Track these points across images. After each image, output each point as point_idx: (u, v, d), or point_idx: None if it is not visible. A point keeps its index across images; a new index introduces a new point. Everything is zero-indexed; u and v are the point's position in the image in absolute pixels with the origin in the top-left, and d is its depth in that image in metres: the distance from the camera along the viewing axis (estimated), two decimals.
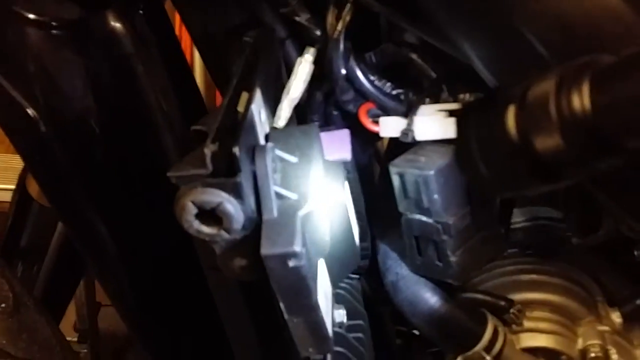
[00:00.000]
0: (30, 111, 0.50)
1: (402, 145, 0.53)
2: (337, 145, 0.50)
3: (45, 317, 0.73)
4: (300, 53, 0.52)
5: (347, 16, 0.49)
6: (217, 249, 0.42)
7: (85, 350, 1.29)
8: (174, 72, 0.59)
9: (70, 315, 1.20)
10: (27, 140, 0.53)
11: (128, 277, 0.61)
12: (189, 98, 0.61)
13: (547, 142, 0.38)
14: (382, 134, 0.52)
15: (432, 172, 0.47)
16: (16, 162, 1.33)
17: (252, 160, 0.42)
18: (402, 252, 0.54)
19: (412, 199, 0.49)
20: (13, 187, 1.24)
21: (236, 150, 0.40)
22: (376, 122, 0.52)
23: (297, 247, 0.39)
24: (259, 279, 0.44)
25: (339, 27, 0.49)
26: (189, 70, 0.65)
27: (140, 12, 0.57)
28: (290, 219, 0.41)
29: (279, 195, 0.42)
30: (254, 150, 0.42)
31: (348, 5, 0.49)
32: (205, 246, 0.43)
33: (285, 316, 0.42)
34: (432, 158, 0.49)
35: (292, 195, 0.42)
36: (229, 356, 0.53)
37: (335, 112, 0.56)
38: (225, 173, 0.40)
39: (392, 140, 0.60)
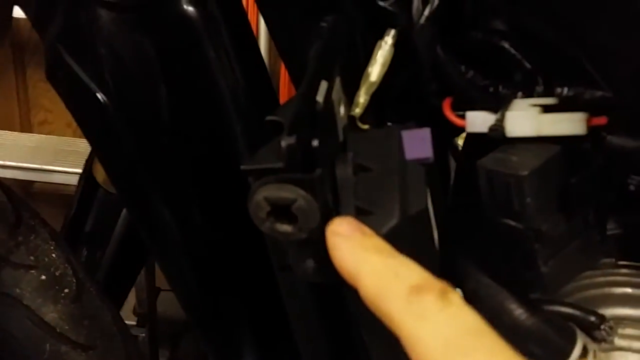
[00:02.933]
0: (99, 95, 0.49)
1: (485, 143, 0.49)
2: (418, 144, 0.47)
3: (107, 304, 0.73)
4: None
5: (435, 0, 0.45)
6: (290, 248, 0.39)
7: (144, 334, 1.30)
8: (245, 57, 0.56)
9: (130, 299, 1.21)
10: (95, 124, 0.52)
11: (190, 263, 0.59)
12: (258, 83, 0.58)
13: None
14: (468, 129, 0.48)
15: (525, 173, 0.43)
16: (82, 146, 1.35)
17: (331, 156, 0.39)
18: (484, 258, 0.50)
19: (501, 202, 0.45)
20: (78, 170, 1.26)
21: (315, 143, 0.37)
22: (462, 117, 0.48)
23: None
24: (331, 283, 0.41)
25: (426, 12, 0.45)
26: (259, 54, 0.62)
27: None
28: None
29: (360, 210, 0.39)
30: (333, 146, 0.39)
31: None
32: (277, 245, 0.41)
33: (365, 336, 0.39)
34: (525, 158, 0.44)
35: (374, 210, 0.39)
36: (289, 347, 0.50)
37: (411, 106, 0.53)
38: (302, 168, 0.37)
39: (472, 137, 0.56)
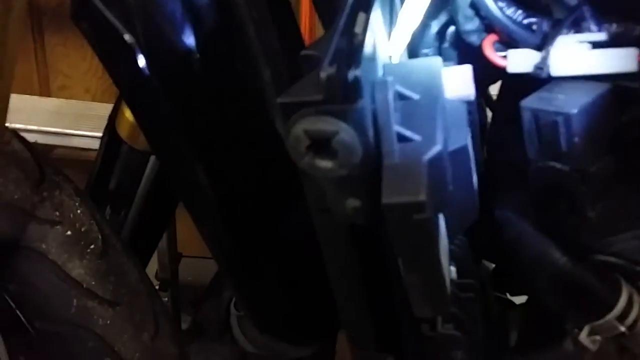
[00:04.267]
0: (127, 37, 0.47)
1: (523, 87, 0.47)
2: (459, 82, 0.45)
3: (133, 261, 0.72)
4: None
5: None
6: (329, 186, 0.38)
7: (166, 299, 1.31)
8: (275, 3, 0.54)
9: (152, 264, 1.21)
10: (122, 67, 0.50)
11: (224, 219, 0.57)
12: (285, 27, 0.56)
13: None
14: (510, 69, 0.46)
15: (575, 111, 0.41)
16: (102, 110, 1.34)
17: (371, 91, 0.37)
18: (525, 205, 0.48)
19: (546, 142, 0.43)
20: (98, 134, 1.25)
21: (356, 74, 0.35)
22: (503, 56, 0.46)
23: (424, 197, 0.34)
24: (372, 224, 0.40)
25: None
26: (289, 7, 0.60)
27: None
28: (415, 164, 0.36)
29: (401, 137, 0.37)
30: (373, 79, 0.37)
31: None
32: (314, 184, 0.39)
33: (402, 272, 0.38)
34: (573, 96, 0.42)
35: (416, 137, 0.37)
36: (327, 306, 0.49)
37: (448, 46, 0.50)
38: (343, 100, 0.35)
39: (509, 82, 0.54)
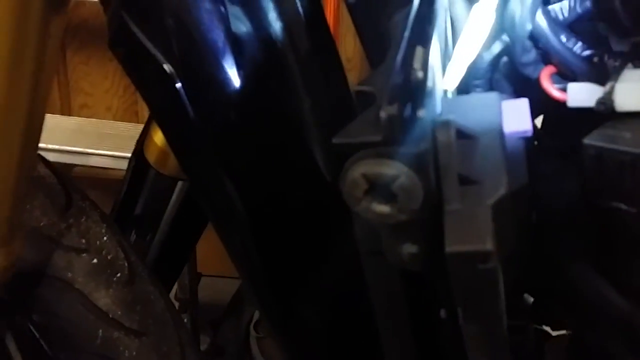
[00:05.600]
0: (166, 67, 0.45)
1: (571, 122, 0.44)
2: (516, 116, 0.42)
3: (159, 289, 0.70)
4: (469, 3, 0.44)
5: None
6: (385, 231, 0.36)
7: (186, 320, 1.29)
8: (316, 35, 0.52)
9: None
10: (160, 96, 0.48)
11: (255, 242, 0.55)
12: (328, 56, 0.54)
13: None
14: (570, 104, 0.43)
15: None
16: (124, 129, 1.33)
17: (432, 131, 0.35)
18: (584, 247, 0.45)
19: (611, 183, 0.41)
20: (119, 154, 1.24)
21: (421, 114, 0.33)
22: (563, 90, 0.44)
23: (490, 246, 0.32)
24: (427, 271, 0.37)
25: None
26: (330, 38, 0.58)
27: None
28: (479, 209, 0.34)
29: (463, 179, 0.35)
30: (432, 120, 0.35)
31: None
32: (368, 227, 0.37)
33: (461, 322, 0.36)
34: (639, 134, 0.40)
35: (479, 180, 0.35)
36: (367, 343, 0.46)
37: (500, 77, 0.48)
38: (404, 142, 0.33)
39: (554, 115, 0.51)
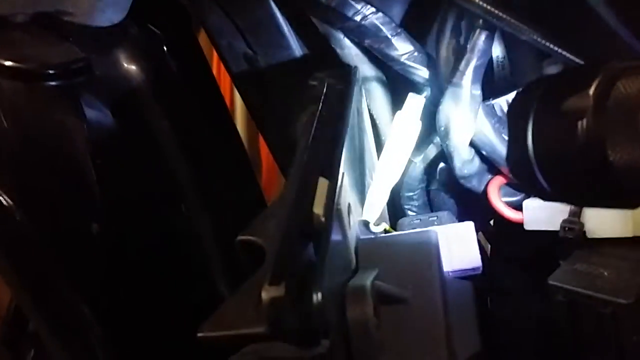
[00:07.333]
0: (3, 199, 0.34)
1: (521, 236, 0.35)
2: (462, 248, 0.33)
3: None
4: (396, 103, 0.35)
5: (477, 46, 0.31)
6: None
7: None
8: (211, 131, 0.42)
9: None
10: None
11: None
12: (230, 158, 0.44)
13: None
14: (527, 226, 0.34)
15: (630, 301, 0.29)
16: None
17: (340, 301, 0.25)
18: None
19: (589, 336, 0.31)
20: None
21: (317, 298, 0.23)
22: (516, 208, 0.34)
23: None
24: None
25: (464, 65, 0.31)
26: (231, 123, 0.48)
27: (164, 49, 0.41)
28: None
29: None
30: (342, 275, 0.25)
31: (478, 30, 0.31)
32: None
33: None
34: (621, 271, 0.30)
35: None
36: None
37: (437, 187, 0.39)
38: (300, 335, 0.23)
39: (508, 225, 0.42)
